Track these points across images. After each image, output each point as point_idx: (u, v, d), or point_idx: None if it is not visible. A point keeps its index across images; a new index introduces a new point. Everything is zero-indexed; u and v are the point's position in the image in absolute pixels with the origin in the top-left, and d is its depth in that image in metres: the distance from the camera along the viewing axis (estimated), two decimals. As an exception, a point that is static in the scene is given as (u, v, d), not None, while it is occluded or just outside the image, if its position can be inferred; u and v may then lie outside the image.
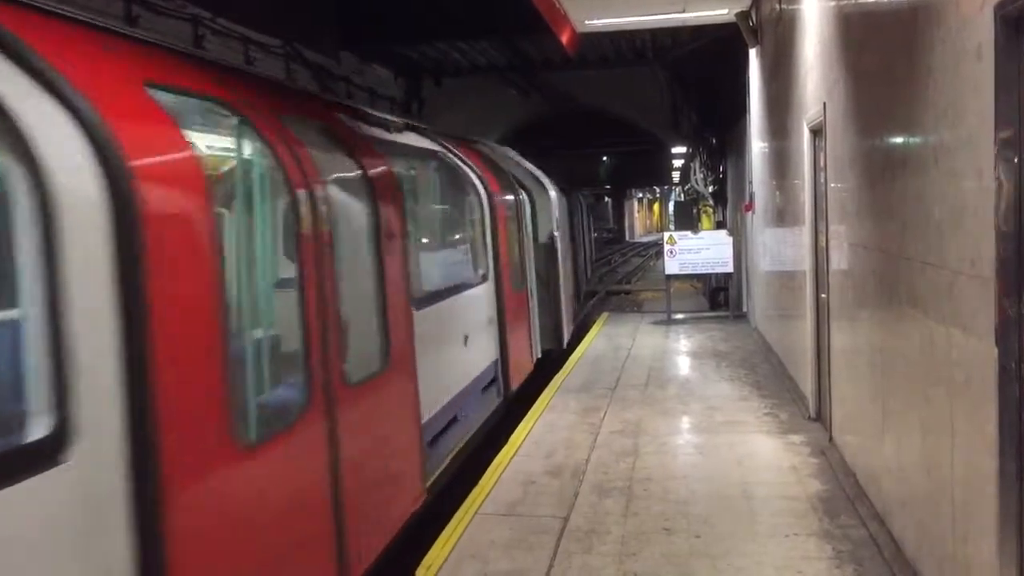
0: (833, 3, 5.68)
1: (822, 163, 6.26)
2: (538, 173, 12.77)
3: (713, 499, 5.50)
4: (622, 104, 28.35)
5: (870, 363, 4.91)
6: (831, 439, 6.43)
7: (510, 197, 9.50)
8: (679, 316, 14.23)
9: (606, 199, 56.16)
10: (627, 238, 58.41)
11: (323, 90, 11.63)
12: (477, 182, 8.23)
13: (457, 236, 8.47)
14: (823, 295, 6.51)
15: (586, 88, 24.93)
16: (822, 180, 6.30)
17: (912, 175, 3.88)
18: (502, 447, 6.90)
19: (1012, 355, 2.78)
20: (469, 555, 4.81)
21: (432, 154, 7.52)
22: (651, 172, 43.85)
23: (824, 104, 6.01)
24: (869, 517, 4.96)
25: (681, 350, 11.41)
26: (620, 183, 50.96)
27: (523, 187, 10.59)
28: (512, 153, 12.64)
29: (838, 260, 5.83)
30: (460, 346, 6.88)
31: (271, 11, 11.31)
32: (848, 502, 5.29)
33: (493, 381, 7.97)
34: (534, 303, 10.31)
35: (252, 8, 10.72)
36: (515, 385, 8.71)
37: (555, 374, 9.84)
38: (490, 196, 8.35)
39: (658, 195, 70.61)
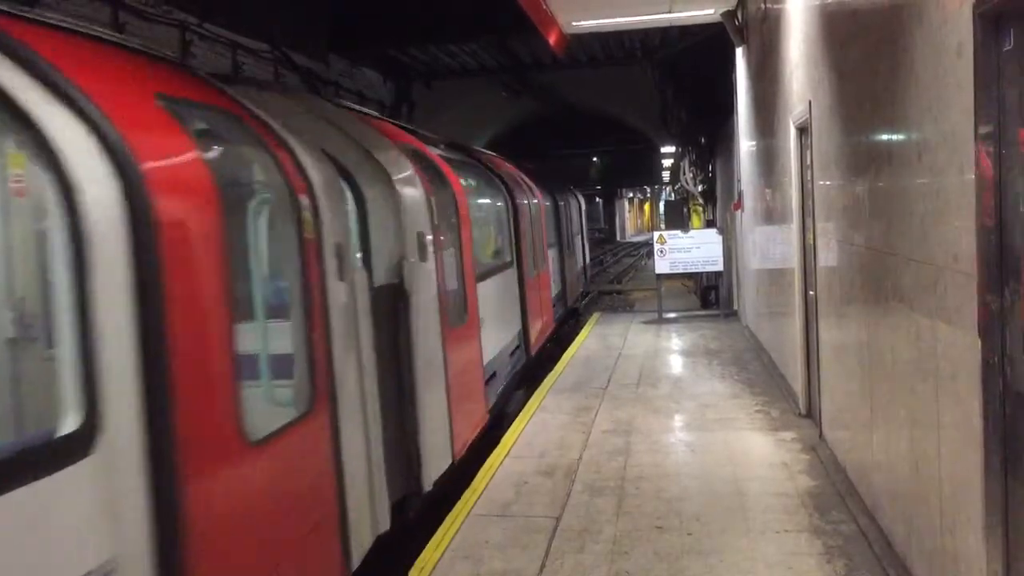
0: (817, 2, 5.72)
1: (809, 161, 6.29)
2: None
3: (705, 496, 5.53)
4: (612, 104, 28.42)
5: (858, 359, 4.94)
6: (821, 435, 6.46)
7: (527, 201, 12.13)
8: (670, 315, 14.26)
9: (597, 199, 56.21)
10: (618, 238, 58.46)
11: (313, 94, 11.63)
12: (504, 191, 10.88)
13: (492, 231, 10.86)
14: (811, 292, 6.54)
15: (576, 88, 24.97)
16: (809, 178, 6.34)
17: (896, 171, 3.91)
18: (495, 447, 6.92)
19: (995, 349, 2.81)
20: (462, 556, 4.83)
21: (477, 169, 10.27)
22: (641, 172, 43.95)
23: (810, 102, 6.04)
24: (859, 512, 5.00)
25: (673, 349, 11.44)
26: (611, 183, 51.03)
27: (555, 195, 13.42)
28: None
29: (826, 257, 5.86)
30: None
31: (258, 16, 11.29)
32: (838, 497, 5.32)
33: (517, 347, 10.25)
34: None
35: (240, 13, 10.70)
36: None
37: (547, 374, 9.87)
38: (514, 200, 10.95)
39: (648, 195, 70.74)
